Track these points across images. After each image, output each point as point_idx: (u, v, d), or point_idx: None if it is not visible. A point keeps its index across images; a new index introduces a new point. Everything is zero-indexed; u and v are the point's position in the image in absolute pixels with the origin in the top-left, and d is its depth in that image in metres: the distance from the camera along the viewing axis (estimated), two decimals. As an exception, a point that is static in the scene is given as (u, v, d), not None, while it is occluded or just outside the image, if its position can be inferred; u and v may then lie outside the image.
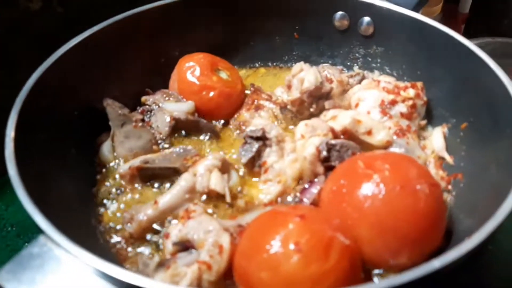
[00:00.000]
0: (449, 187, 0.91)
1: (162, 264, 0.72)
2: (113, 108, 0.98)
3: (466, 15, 1.83)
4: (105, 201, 0.91)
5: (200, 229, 0.75)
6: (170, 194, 0.84)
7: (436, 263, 0.54)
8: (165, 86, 1.13)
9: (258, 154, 0.93)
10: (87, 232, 0.83)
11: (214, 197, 0.86)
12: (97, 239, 0.83)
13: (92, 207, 0.89)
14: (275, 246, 0.66)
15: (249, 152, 0.93)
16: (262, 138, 0.93)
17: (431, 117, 1.05)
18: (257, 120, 0.98)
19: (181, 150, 0.95)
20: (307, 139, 0.91)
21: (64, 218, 0.76)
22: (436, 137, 0.99)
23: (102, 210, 0.89)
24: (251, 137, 0.94)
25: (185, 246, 0.76)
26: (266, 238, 0.67)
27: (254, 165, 0.93)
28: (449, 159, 0.96)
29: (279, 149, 0.92)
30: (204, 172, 0.85)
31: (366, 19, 1.13)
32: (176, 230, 0.77)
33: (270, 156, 0.92)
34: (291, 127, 1.06)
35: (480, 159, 0.88)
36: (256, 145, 0.92)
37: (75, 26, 0.99)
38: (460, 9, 1.83)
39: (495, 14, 1.91)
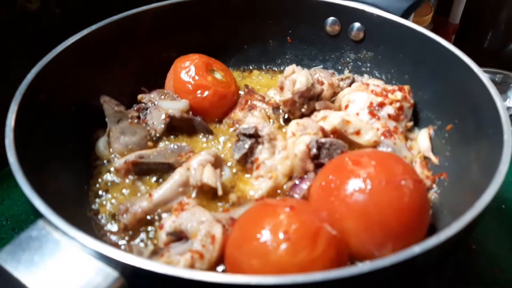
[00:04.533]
0: (434, 186, 0.94)
1: (156, 252, 0.74)
2: (109, 105, 1.00)
3: (457, 26, 1.88)
4: (100, 193, 0.93)
5: (194, 220, 0.78)
6: (164, 188, 0.87)
7: (416, 249, 0.57)
8: (161, 86, 1.16)
9: (251, 151, 0.96)
10: (83, 222, 0.84)
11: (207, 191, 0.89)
12: (92, 230, 0.85)
13: (87, 199, 0.91)
14: (265, 235, 0.68)
15: (242, 149, 0.96)
16: (255, 136, 0.96)
17: (417, 119, 1.09)
18: (250, 119, 1.01)
19: (176, 147, 0.97)
20: (298, 137, 0.94)
21: (61, 208, 0.79)
22: (422, 138, 1.03)
23: (97, 202, 0.91)
24: (244, 135, 0.96)
25: (178, 236, 0.78)
26: (257, 228, 0.70)
27: (246, 161, 0.96)
28: (434, 159, 0.99)
29: (271, 147, 0.95)
30: (197, 167, 0.88)
31: (357, 25, 1.17)
32: (170, 221, 0.79)
33: (262, 153, 0.95)
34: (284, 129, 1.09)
35: (463, 158, 0.92)
36: (248, 142, 0.95)
37: (72, 28, 1.01)
38: (450, 20, 1.87)
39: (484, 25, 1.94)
